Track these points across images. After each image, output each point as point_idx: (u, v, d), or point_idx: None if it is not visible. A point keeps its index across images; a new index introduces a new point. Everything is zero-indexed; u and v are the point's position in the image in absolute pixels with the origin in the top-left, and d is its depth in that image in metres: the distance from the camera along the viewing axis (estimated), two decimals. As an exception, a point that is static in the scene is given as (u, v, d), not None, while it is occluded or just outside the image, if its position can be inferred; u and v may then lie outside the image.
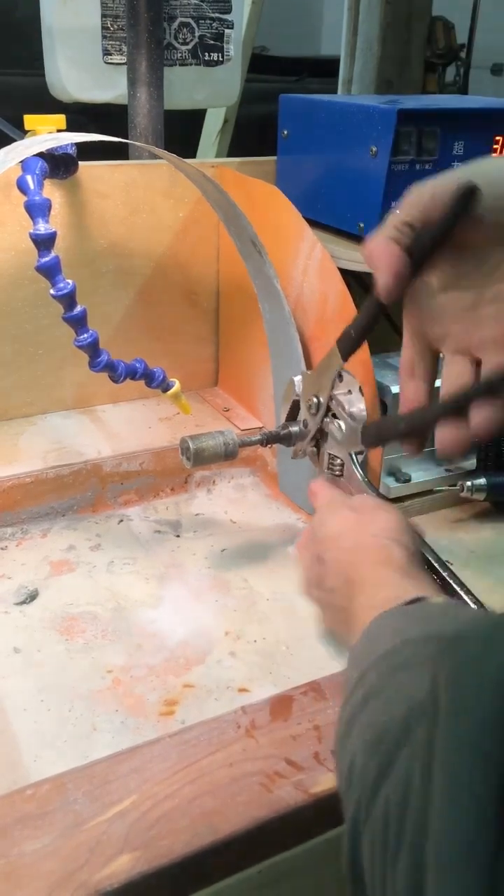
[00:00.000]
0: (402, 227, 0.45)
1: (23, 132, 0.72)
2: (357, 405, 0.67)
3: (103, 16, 0.93)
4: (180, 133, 1.11)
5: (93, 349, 0.68)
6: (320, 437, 0.67)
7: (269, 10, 1.76)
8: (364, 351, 0.65)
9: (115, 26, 0.93)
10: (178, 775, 0.44)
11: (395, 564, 0.49)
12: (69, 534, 0.75)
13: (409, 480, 0.70)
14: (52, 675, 0.58)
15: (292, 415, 0.66)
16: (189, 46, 0.97)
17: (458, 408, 0.45)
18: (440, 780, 0.26)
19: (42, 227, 0.63)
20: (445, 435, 0.46)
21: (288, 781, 0.44)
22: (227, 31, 0.99)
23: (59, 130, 0.71)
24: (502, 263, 0.45)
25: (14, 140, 0.67)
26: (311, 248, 0.70)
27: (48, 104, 0.92)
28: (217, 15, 0.98)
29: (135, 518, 0.78)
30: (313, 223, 0.73)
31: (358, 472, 0.66)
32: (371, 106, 0.70)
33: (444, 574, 0.57)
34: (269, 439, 0.68)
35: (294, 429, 0.67)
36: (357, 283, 0.83)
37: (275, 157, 0.85)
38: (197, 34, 0.97)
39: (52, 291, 0.64)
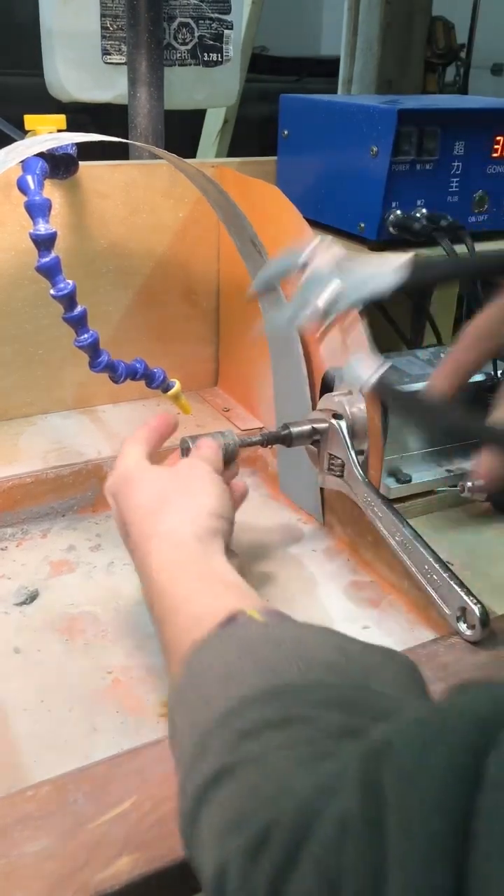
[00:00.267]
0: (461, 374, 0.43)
1: (23, 132, 0.72)
2: (357, 405, 0.67)
3: (103, 16, 0.93)
4: (180, 133, 1.11)
5: (93, 349, 0.68)
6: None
7: (269, 10, 1.76)
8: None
9: (115, 26, 0.93)
10: (179, 776, 0.44)
11: (194, 566, 0.48)
12: (69, 534, 0.75)
13: (409, 481, 0.70)
14: (52, 676, 0.58)
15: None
16: (188, 47, 0.97)
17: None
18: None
19: (42, 228, 0.63)
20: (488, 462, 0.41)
21: (288, 782, 0.44)
22: (226, 31, 0.99)
23: (59, 130, 0.71)
24: None
25: (14, 140, 0.67)
26: (311, 249, 0.70)
27: (48, 104, 0.92)
28: (216, 15, 0.98)
29: (135, 518, 0.78)
30: (313, 223, 0.73)
31: (358, 473, 0.66)
32: (371, 106, 0.70)
33: (445, 575, 0.57)
34: (270, 440, 0.68)
35: (294, 429, 0.67)
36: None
37: (275, 157, 0.85)
38: (196, 34, 0.97)
39: (52, 292, 0.64)
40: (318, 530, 0.77)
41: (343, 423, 0.67)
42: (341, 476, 0.67)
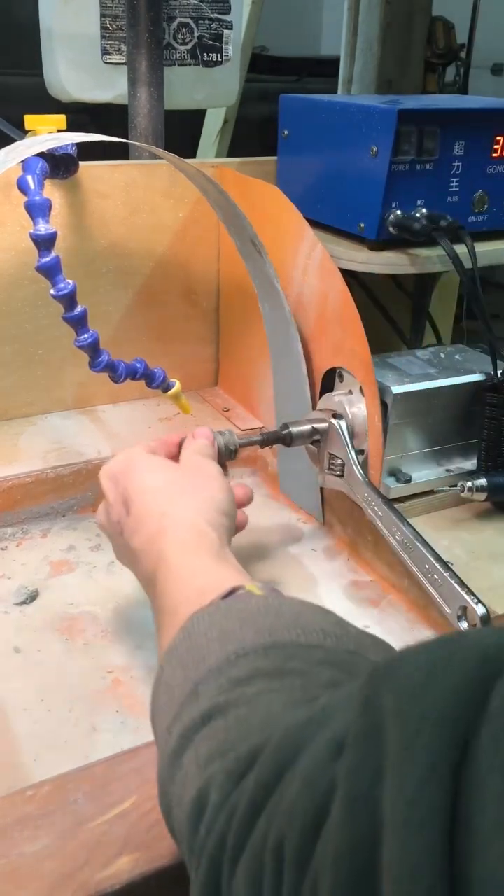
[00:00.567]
0: None
1: (23, 132, 0.72)
2: (357, 405, 0.67)
3: (103, 16, 0.93)
4: (180, 133, 1.11)
5: (93, 349, 0.68)
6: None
7: (269, 10, 1.76)
8: (364, 351, 0.65)
9: (115, 26, 0.93)
10: (179, 776, 0.44)
11: (205, 547, 0.48)
12: (69, 534, 0.75)
13: (409, 481, 0.70)
14: (52, 676, 0.58)
15: None
16: (188, 47, 0.97)
17: None
18: (395, 808, 0.23)
19: (42, 228, 0.63)
20: None
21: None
22: (226, 31, 0.99)
23: (59, 130, 0.71)
24: None
25: (14, 140, 0.67)
26: (311, 248, 0.70)
27: (48, 104, 0.92)
28: (216, 15, 0.98)
29: (135, 518, 0.78)
30: (313, 223, 0.73)
31: (358, 472, 0.66)
32: (371, 106, 0.70)
33: (446, 574, 0.57)
34: (270, 439, 0.68)
35: (294, 429, 0.67)
36: (357, 283, 0.83)
37: (275, 157, 0.85)
38: (196, 34, 0.97)
39: (52, 291, 0.64)
40: (318, 530, 0.77)
41: (343, 423, 0.67)
42: (341, 476, 0.67)
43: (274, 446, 0.71)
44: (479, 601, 0.54)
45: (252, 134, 1.72)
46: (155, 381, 0.75)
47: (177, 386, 0.78)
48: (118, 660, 0.60)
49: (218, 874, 0.28)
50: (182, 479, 0.55)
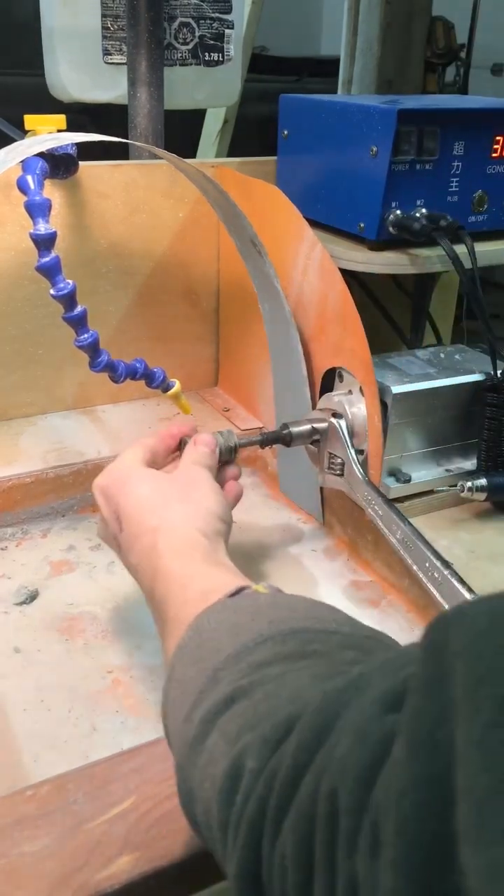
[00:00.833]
0: None
1: (23, 132, 0.72)
2: (357, 405, 0.67)
3: (103, 16, 0.93)
4: (180, 133, 1.11)
5: (93, 349, 0.68)
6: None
7: (269, 10, 1.76)
8: (364, 351, 0.65)
9: (116, 26, 0.93)
10: (179, 776, 0.44)
11: (200, 554, 0.48)
12: (69, 534, 0.75)
13: (409, 481, 0.70)
14: (52, 676, 0.58)
15: None
16: (189, 46, 0.97)
17: None
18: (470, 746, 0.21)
19: (42, 228, 0.63)
20: None
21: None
22: (227, 31, 0.99)
23: (59, 130, 0.71)
24: None
25: (14, 140, 0.67)
26: (311, 248, 0.70)
27: (48, 104, 0.92)
28: (217, 15, 0.98)
29: (135, 518, 0.78)
30: (313, 223, 0.73)
31: (358, 472, 0.66)
32: (371, 106, 0.70)
33: (446, 573, 0.57)
34: (269, 439, 0.68)
35: (294, 429, 0.67)
36: (357, 283, 0.83)
37: (275, 157, 0.85)
38: (197, 34, 0.97)
39: (52, 291, 0.64)
40: (318, 530, 0.77)
41: (343, 423, 0.67)
42: (341, 475, 0.67)
43: (274, 446, 0.71)
44: (479, 601, 0.54)
45: (252, 134, 1.72)
46: (155, 381, 0.75)
47: (177, 386, 0.78)
48: (118, 660, 0.60)
49: (258, 839, 0.28)
50: (171, 489, 0.54)
